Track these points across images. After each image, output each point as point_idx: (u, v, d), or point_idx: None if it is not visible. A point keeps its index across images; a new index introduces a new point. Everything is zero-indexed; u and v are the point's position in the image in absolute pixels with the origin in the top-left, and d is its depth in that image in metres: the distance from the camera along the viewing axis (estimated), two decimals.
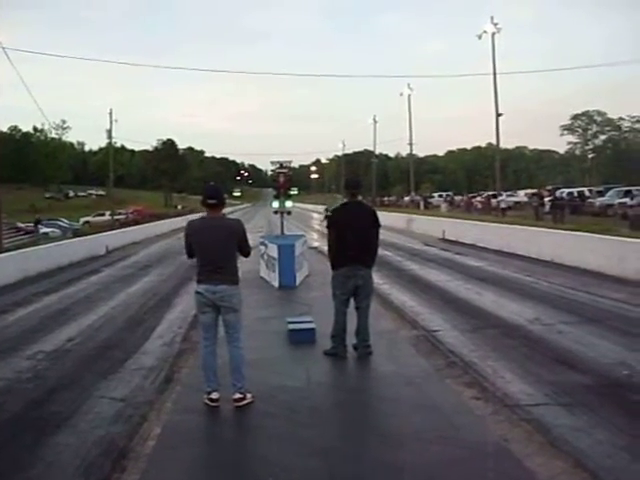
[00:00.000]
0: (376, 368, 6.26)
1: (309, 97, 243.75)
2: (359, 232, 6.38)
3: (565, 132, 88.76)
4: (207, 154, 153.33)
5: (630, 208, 23.72)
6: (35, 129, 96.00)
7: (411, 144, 58.52)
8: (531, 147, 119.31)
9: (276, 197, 16.03)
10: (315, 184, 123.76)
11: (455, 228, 23.61)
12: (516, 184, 76.21)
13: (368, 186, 75.57)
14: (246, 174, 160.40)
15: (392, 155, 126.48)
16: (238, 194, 50.65)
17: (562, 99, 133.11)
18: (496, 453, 4.08)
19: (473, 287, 11.35)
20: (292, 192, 16.11)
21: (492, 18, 37.12)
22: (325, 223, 6.98)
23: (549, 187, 42.34)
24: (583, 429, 4.50)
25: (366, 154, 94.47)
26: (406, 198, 61.61)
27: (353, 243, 6.33)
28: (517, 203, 38.81)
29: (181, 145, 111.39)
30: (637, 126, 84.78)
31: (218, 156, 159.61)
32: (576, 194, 34.69)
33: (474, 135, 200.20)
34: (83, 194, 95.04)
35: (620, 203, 26.49)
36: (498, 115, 36.62)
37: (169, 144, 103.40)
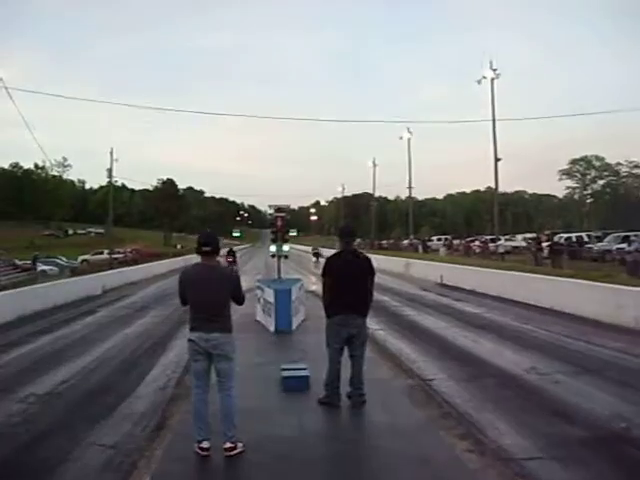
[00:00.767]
0: (369, 418, 6.19)
1: (310, 139, 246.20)
2: (353, 280, 6.39)
3: (564, 177, 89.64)
4: (207, 194, 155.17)
5: (628, 254, 23.78)
6: (36, 166, 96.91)
7: (410, 187, 59.23)
8: (530, 191, 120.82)
9: (274, 240, 16.19)
10: (314, 226, 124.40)
11: (453, 273, 23.61)
12: (515, 227, 76.56)
13: (367, 229, 76.08)
14: (246, 215, 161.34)
15: (391, 198, 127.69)
16: (238, 234, 50.57)
17: (561, 144, 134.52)
18: None
19: (470, 334, 11.30)
20: (291, 233, 16.36)
21: (491, 63, 37.96)
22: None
23: (547, 231, 42.60)
24: None
25: (366, 197, 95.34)
26: (405, 241, 61.77)
27: (347, 291, 6.34)
28: (515, 248, 38.93)
29: (181, 185, 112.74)
30: (635, 171, 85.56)
31: (218, 196, 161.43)
32: (575, 239, 34.86)
33: (473, 179, 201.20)
34: (82, 232, 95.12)
35: (618, 249, 26.63)
36: (497, 160, 37.13)
37: (169, 184, 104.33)
